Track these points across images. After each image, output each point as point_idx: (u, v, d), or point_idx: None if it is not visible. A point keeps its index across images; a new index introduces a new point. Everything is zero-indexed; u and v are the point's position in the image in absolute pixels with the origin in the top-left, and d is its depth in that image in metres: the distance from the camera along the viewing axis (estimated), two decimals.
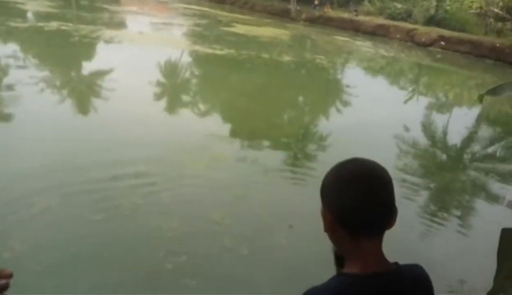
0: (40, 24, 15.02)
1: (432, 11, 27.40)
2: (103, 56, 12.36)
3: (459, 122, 10.90)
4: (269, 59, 15.37)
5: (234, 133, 7.55)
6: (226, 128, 7.96)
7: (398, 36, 25.57)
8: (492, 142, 9.65)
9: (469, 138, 9.66)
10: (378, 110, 10.55)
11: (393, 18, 28.24)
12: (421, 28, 25.35)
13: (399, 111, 11.51)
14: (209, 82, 11.90)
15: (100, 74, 10.12)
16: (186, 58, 14.06)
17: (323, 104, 11.43)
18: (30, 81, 8.50)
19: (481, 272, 4.11)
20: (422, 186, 6.36)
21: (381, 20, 27.87)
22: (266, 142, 7.24)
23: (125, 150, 5.85)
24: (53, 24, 14.84)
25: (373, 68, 18.01)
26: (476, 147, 9.22)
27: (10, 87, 8.13)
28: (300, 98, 11.69)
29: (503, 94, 2.53)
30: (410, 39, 24.91)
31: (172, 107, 8.99)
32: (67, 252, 3.48)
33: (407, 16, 28.18)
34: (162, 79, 10.96)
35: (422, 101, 13.23)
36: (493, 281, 1.68)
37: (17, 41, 12.86)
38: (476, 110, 13.46)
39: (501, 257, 1.68)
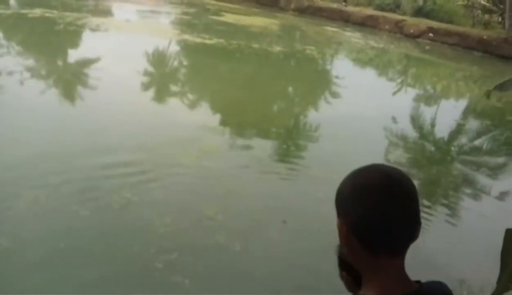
0: (23, 11, 14.62)
1: (421, 2, 27.44)
2: (89, 45, 12.11)
3: (447, 114, 10.98)
4: (259, 49, 15.26)
5: (224, 125, 7.49)
6: (216, 119, 7.89)
7: (387, 27, 25.59)
8: (479, 135, 9.75)
9: (457, 131, 9.75)
10: (367, 101, 10.57)
11: (382, 9, 28.21)
12: (409, 20, 25.40)
13: (387, 103, 11.54)
14: (199, 72, 11.77)
15: (87, 63, 9.91)
16: (175, 47, 13.86)
17: (314, 95, 11.41)
18: (14, 69, 8.29)
19: (468, 259, 4.29)
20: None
21: (370, 11, 27.83)
22: (256, 134, 7.20)
23: (113, 142, 5.75)
24: (37, 11, 14.47)
25: (362, 59, 18.02)
26: (463, 139, 9.31)
27: None
28: (291, 89, 11.65)
29: (511, 90, 2.49)
30: (399, 31, 24.95)
31: (161, 98, 8.87)
32: (55, 248, 3.39)
33: (396, 7, 28.17)
34: (150, 69, 10.80)
35: (411, 93, 13.29)
36: (496, 282, 1.68)
37: (0, 28, 12.52)
38: (463, 103, 13.59)
39: (504, 258, 1.67)
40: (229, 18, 21.58)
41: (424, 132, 9.25)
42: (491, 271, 2.05)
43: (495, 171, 7.56)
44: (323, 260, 3.70)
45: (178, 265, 3.40)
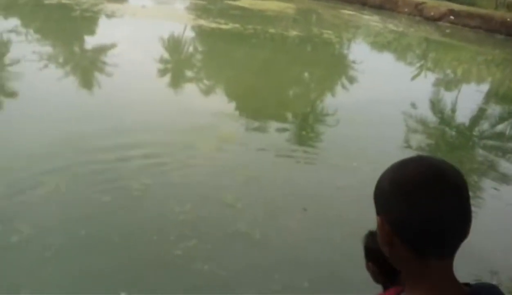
0: None
1: None
2: (105, 31, 12.14)
3: (468, 99, 10.72)
4: (275, 33, 15.07)
5: (241, 111, 7.44)
6: (232, 106, 7.84)
7: (406, 10, 24.96)
8: (501, 120, 9.50)
9: (478, 116, 9.51)
10: (385, 86, 10.38)
11: None
12: (429, 2, 24.71)
13: (406, 87, 11.33)
14: (215, 57, 11.69)
15: (103, 49, 9.93)
16: (190, 33, 13.79)
17: (331, 80, 11.24)
18: (33, 57, 8.35)
19: (493, 245, 4.15)
20: None
21: None
22: (274, 120, 7.13)
23: (131, 129, 5.76)
24: None
25: (381, 43, 17.65)
26: (485, 125, 9.08)
27: (13, 63, 8.00)
28: (307, 74, 11.50)
29: None
30: (419, 13, 24.33)
31: (177, 84, 8.85)
32: (76, 235, 3.41)
33: None
34: (166, 55, 10.77)
35: (430, 78, 13.00)
36: None
37: (17, 15, 12.61)
38: (485, 87, 13.23)
39: None
40: (244, 2, 21.32)
41: (444, 117, 9.05)
42: None
43: None
44: (343, 249, 3.67)
45: (197, 252, 3.40)
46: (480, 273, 3.60)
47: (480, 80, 13.90)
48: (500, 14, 22.17)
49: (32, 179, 4.15)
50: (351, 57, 14.00)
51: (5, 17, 12.34)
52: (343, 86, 10.58)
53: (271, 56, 12.75)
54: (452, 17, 22.82)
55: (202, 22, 15.18)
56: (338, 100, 9.14)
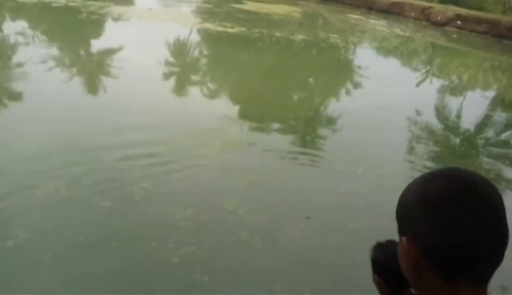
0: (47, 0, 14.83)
1: None
2: (112, 34, 12.21)
3: (473, 106, 10.65)
4: (281, 37, 15.08)
5: (245, 116, 7.43)
6: (237, 110, 7.84)
7: (413, 14, 24.90)
8: (507, 127, 9.42)
9: (484, 123, 9.44)
10: (390, 92, 10.35)
11: None
12: (436, 6, 24.64)
13: (411, 93, 11.28)
14: (221, 61, 11.72)
15: (109, 52, 10.00)
16: (197, 37, 13.84)
17: (336, 85, 11.22)
18: (39, 59, 8.42)
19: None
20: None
21: None
22: (278, 125, 7.13)
23: (135, 132, 5.76)
24: (61, 0, 14.64)
25: (387, 48, 17.61)
26: (490, 132, 9.01)
27: (19, 65, 8.07)
28: (313, 79, 11.49)
29: None
30: (425, 18, 24.25)
31: (182, 88, 8.88)
32: (74, 241, 3.37)
33: None
34: (172, 59, 10.81)
35: (436, 84, 12.94)
36: None
37: (25, 17, 12.73)
38: (491, 94, 13.14)
39: None
40: (250, 6, 21.38)
41: (449, 124, 8.99)
42: None
43: None
44: (348, 259, 3.62)
45: (196, 260, 3.37)
46: (489, 289, 3.57)
47: (486, 87, 13.81)
48: (508, 19, 22.03)
49: (31, 181, 4.11)
50: (357, 62, 13.97)
51: (13, 20, 12.47)
52: (348, 91, 10.56)
53: (277, 60, 12.75)
54: (459, 22, 22.72)
55: (209, 25, 15.24)
56: (343, 105, 9.12)
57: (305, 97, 9.86)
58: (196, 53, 12.24)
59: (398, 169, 5.83)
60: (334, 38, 16.69)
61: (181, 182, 4.62)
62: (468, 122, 9.13)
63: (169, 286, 3.10)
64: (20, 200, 3.82)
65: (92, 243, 3.41)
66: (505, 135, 8.92)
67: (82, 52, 10.27)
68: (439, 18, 23.56)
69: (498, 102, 11.83)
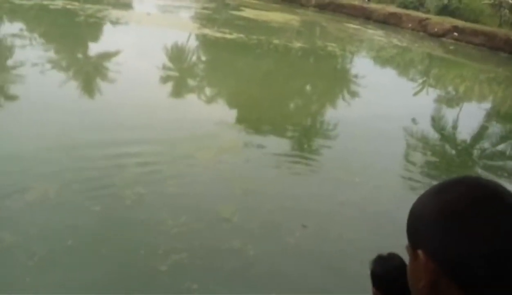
0: (45, 2, 14.77)
1: (445, 0, 26.79)
2: (109, 38, 12.16)
3: (469, 117, 10.67)
4: (279, 45, 15.10)
5: (242, 122, 7.39)
6: (234, 116, 7.80)
7: (410, 25, 25.07)
8: (503, 139, 9.44)
9: (479, 134, 9.45)
10: (387, 101, 10.36)
11: (405, 6, 27.67)
12: (434, 18, 24.83)
13: (408, 103, 11.30)
14: (218, 67, 11.71)
15: (107, 56, 9.94)
16: (195, 42, 13.83)
17: (333, 93, 11.22)
18: (36, 61, 8.35)
19: None
20: (428, 183, 6.22)
21: (393, 8, 27.33)
22: (274, 132, 7.09)
23: (130, 136, 5.71)
24: (59, 3, 14.60)
25: (384, 57, 17.68)
26: (486, 144, 9.02)
27: (15, 67, 8.00)
28: (311, 87, 11.49)
29: None
30: (423, 29, 24.43)
31: (179, 93, 8.83)
32: (62, 245, 3.28)
33: (419, 4, 27.61)
34: (170, 64, 10.78)
35: (432, 94, 12.98)
36: None
37: (22, 19, 12.67)
38: (487, 105, 13.20)
39: None
40: (249, 13, 21.45)
41: (445, 134, 9.00)
42: None
43: None
44: (344, 272, 3.55)
45: (186, 269, 3.29)
46: None
47: (482, 98, 13.87)
48: (504, 32, 22.23)
49: (20, 184, 4.03)
50: (354, 71, 14.00)
51: (10, 21, 12.40)
52: (345, 100, 10.56)
53: (275, 67, 12.76)
54: (456, 33, 22.89)
55: (207, 31, 15.25)
56: (340, 114, 9.11)
57: (303, 105, 9.84)
58: (194, 58, 12.22)
59: (395, 178, 5.80)
60: (332, 46, 16.74)
61: (175, 188, 4.56)
62: (465, 133, 9.13)
63: (159, 293, 3.01)
64: (8, 202, 3.72)
65: (80, 248, 3.32)
66: (501, 147, 8.93)
67: (79, 55, 10.21)
68: (436, 29, 23.74)
69: (494, 114, 11.88)
